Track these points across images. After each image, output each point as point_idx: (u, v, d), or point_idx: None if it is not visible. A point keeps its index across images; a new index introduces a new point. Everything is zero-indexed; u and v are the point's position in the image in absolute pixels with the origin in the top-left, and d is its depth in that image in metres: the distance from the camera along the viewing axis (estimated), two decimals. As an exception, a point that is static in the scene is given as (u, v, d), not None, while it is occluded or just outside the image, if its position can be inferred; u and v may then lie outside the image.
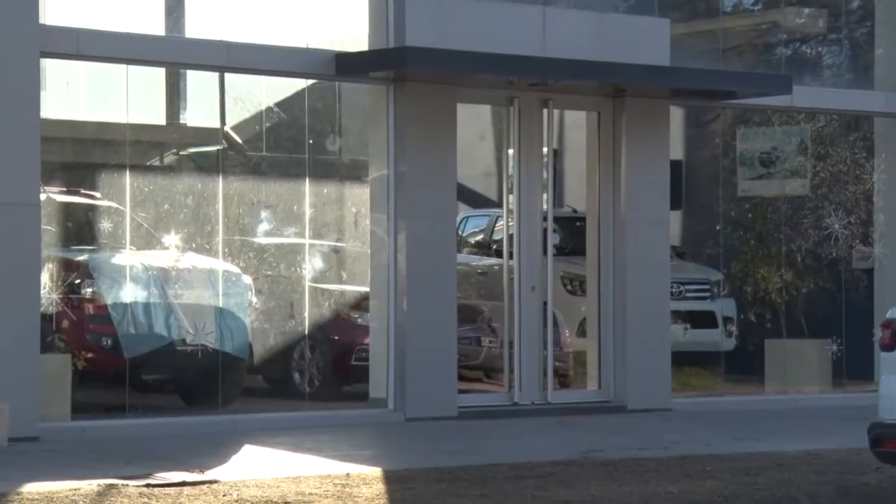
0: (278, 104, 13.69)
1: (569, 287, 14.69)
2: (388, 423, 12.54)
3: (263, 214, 13.65)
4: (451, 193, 13.10)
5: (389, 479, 9.25)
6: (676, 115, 15.18)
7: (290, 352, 13.30)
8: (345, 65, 12.67)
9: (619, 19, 13.97)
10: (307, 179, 13.21)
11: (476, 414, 12.94)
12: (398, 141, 12.87)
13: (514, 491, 8.85)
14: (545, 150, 13.71)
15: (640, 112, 13.95)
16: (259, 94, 13.48)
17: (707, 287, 15.30)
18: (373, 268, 13.05)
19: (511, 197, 13.60)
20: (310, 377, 13.31)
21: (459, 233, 14.43)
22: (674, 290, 14.49)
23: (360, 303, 13.40)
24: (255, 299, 13.12)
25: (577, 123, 14.84)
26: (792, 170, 15.66)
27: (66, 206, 12.78)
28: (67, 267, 12.26)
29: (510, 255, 13.57)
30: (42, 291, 11.48)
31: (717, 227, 15.42)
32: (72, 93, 12.65)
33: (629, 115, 13.92)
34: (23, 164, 11.00)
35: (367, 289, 13.16)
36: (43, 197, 11.41)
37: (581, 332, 14.32)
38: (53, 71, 11.87)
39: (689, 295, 15.10)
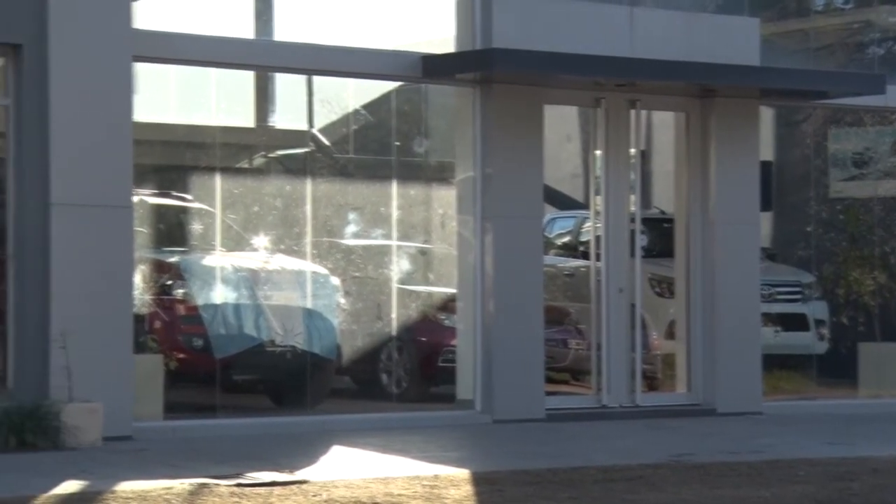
0: (365, 106, 13.75)
1: (657, 289, 14.59)
2: (475, 424, 12.54)
3: (351, 216, 13.71)
4: (537, 195, 13.07)
5: (477, 480, 9.24)
6: (766, 115, 15.03)
7: (377, 353, 13.35)
8: (432, 67, 12.70)
9: (708, 19, 13.85)
10: (394, 181, 13.26)
11: (563, 416, 12.90)
12: (485, 142, 12.87)
13: (603, 494, 8.81)
14: (632, 151, 13.64)
15: (730, 112, 13.82)
16: (346, 96, 13.55)
17: (799, 289, 15.12)
18: (459, 269, 13.06)
19: (598, 198, 13.54)
20: (397, 378, 13.35)
21: (546, 234, 14.39)
22: (764, 292, 14.33)
23: (447, 304, 13.41)
24: (342, 301, 13.19)
25: (664, 124, 14.74)
26: (885, 171, 15.42)
27: (158, 209, 12.93)
28: (159, 268, 12.41)
29: (597, 257, 13.51)
30: (135, 292, 11.62)
31: (809, 229, 15.23)
32: (163, 96, 12.80)
33: (718, 116, 13.80)
34: (116, 167, 11.15)
35: (453, 290, 13.17)
36: (135, 199, 11.55)
37: (669, 334, 14.21)
38: (145, 74, 12.01)
39: (780, 297, 14.93)
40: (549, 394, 13.13)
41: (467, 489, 8.94)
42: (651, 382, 14.13)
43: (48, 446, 10.28)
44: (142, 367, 11.44)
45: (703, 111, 13.85)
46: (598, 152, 13.62)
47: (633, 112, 13.61)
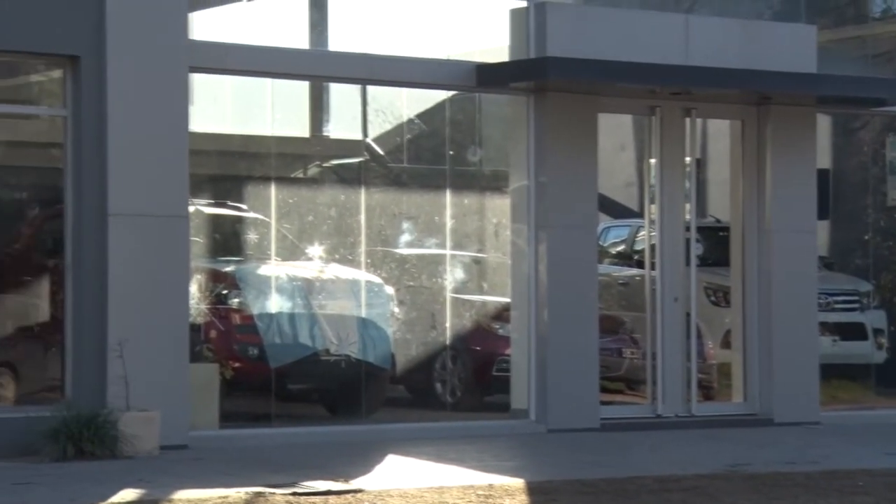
0: (419, 115, 13.78)
1: (712, 298, 14.51)
2: (529, 434, 12.52)
3: (405, 225, 13.73)
4: (592, 203, 13.04)
5: (532, 490, 9.22)
6: (823, 122, 14.91)
7: (431, 362, 13.35)
8: (485, 76, 12.70)
9: (764, 26, 13.77)
10: (448, 190, 13.27)
11: (618, 426, 12.85)
12: (539, 151, 12.86)
13: (659, 504, 8.77)
14: (688, 159, 13.57)
15: (786, 120, 13.72)
16: (400, 105, 13.57)
17: (856, 298, 14.98)
18: (513, 278, 13.05)
19: (653, 207, 13.49)
20: (451, 387, 13.34)
21: (600, 243, 14.35)
22: (822, 301, 14.21)
23: (501, 313, 13.40)
24: (397, 310, 13.21)
25: (720, 132, 14.66)
26: (944, 178, 15.26)
27: (214, 218, 13.01)
28: (215, 278, 12.48)
29: (652, 266, 13.46)
30: (191, 302, 11.69)
31: (866, 237, 15.09)
32: (218, 106, 12.88)
33: (774, 124, 13.71)
34: (172, 177, 11.23)
35: (508, 299, 13.15)
36: (191, 209, 11.63)
37: (725, 343, 14.12)
38: (201, 85, 12.09)
39: (837, 306, 14.80)
40: (603, 403, 13.08)
41: (522, 499, 8.92)
42: (706, 392, 14.04)
43: (106, 455, 10.36)
44: (198, 377, 11.50)
45: (759, 119, 13.77)
46: (652, 161, 13.57)
47: (688, 120, 13.55)
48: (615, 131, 15.20)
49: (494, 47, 13.10)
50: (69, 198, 11.04)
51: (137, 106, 11.06)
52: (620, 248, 15.28)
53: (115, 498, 8.59)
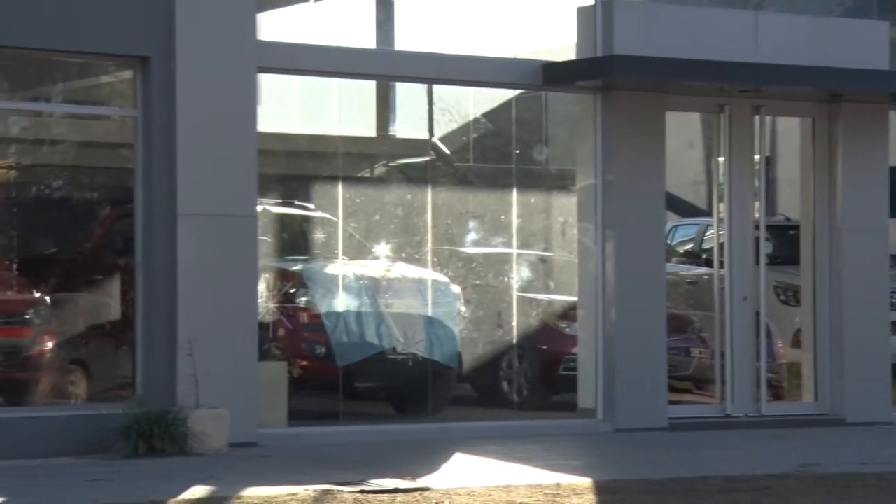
0: (485, 114, 13.77)
1: (782, 297, 14.38)
2: (596, 433, 12.47)
3: (471, 224, 13.73)
4: (659, 202, 12.97)
5: (600, 489, 9.19)
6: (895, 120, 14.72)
7: (498, 361, 13.34)
8: (552, 74, 12.67)
9: (835, 23, 13.62)
10: (514, 189, 13.25)
11: (687, 425, 12.77)
12: (606, 150, 12.81)
13: (728, 504, 8.71)
14: (757, 157, 13.46)
15: (857, 117, 13.57)
16: (466, 104, 13.57)
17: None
18: (580, 277, 13.01)
19: (722, 205, 13.39)
20: (518, 386, 13.32)
21: (668, 242, 14.27)
22: (894, 300, 14.04)
23: (568, 312, 13.36)
24: (463, 308, 13.21)
25: (790, 130, 14.53)
26: None
27: (281, 218, 13.08)
28: (283, 277, 12.55)
29: (721, 265, 13.36)
30: (259, 300, 11.76)
31: (939, 236, 14.87)
32: (286, 106, 12.95)
33: (845, 121, 13.56)
34: (240, 177, 11.31)
35: (574, 298, 13.11)
36: (259, 208, 11.70)
37: (795, 342, 13.99)
38: (268, 85, 12.16)
39: (909, 305, 14.61)
40: (671, 403, 13.01)
41: (590, 498, 8.89)
42: (776, 391, 13.92)
43: (176, 452, 10.44)
44: (266, 375, 11.57)
45: (829, 116, 13.63)
46: (721, 159, 13.47)
47: (757, 118, 13.44)
48: (683, 129, 15.11)
49: (561, 46, 13.07)
50: (139, 198, 11.14)
51: (206, 106, 11.14)
52: (688, 246, 15.19)
53: (185, 494, 8.66)
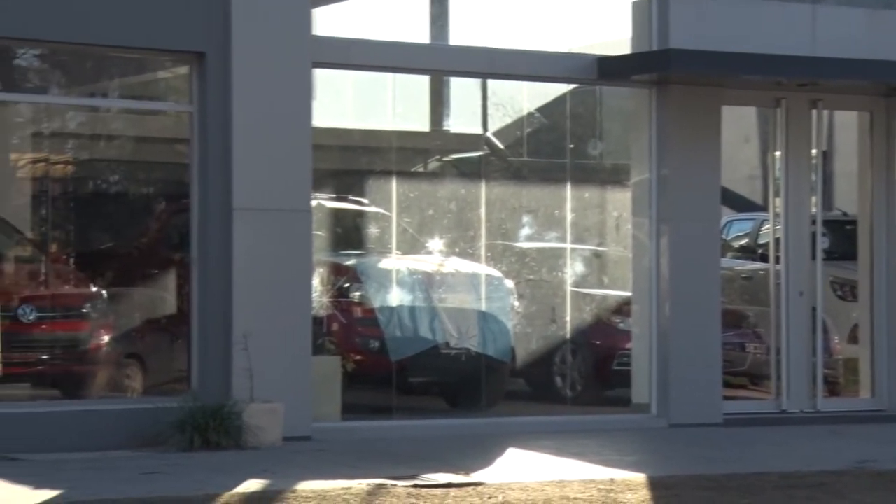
0: (539, 109, 13.74)
1: (839, 292, 14.25)
2: (650, 428, 12.42)
3: (525, 219, 13.71)
4: (714, 197, 12.89)
5: (654, 485, 9.15)
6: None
7: (551, 356, 13.31)
8: (607, 68, 12.62)
9: (893, 16, 13.46)
10: (568, 184, 13.21)
11: (741, 421, 12.70)
12: (660, 144, 12.75)
13: (784, 501, 8.64)
14: (814, 151, 13.35)
15: (916, 111, 13.43)
16: (520, 99, 13.55)
17: None
18: (635, 272, 12.95)
19: (778, 200, 13.30)
20: (571, 381, 13.29)
21: (723, 237, 14.18)
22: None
23: (622, 307, 13.31)
24: (517, 303, 13.19)
25: (847, 124, 14.39)
26: None
27: (336, 212, 13.12)
28: (337, 271, 12.59)
29: (777, 260, 13.27)
30: (313, 295, 11.80)
31: None
32: (340, 101, 12.98)
33: (904, 115, 13.43)
34: (295, 172, 11.35)
35: (628, 293, 13.06)
36: (314, 203, 11.73)
37: (852, 338, 13.87)
38: (323, 80, 12.19)
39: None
40: (726, 398, 12.93)
41: (644, 493, 8.85)
42: (833, 387, 13.80)
43: (231, 445, 10.50)
44: (320, 369, 11.61)
45: (888, 110, 13.49)
46: (777, 153, 13.37)
47: (814, 112, 13.33)
48: (739, 123, 15.01)
49: (616, 40, 13.01)
50: (195, 192, 11.20)
51: (262, 101, 11.19)
52: (744, 241, 15.09)
53: (240, 488, 8.70)
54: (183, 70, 11.37)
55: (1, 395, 10.96)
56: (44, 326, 11.11)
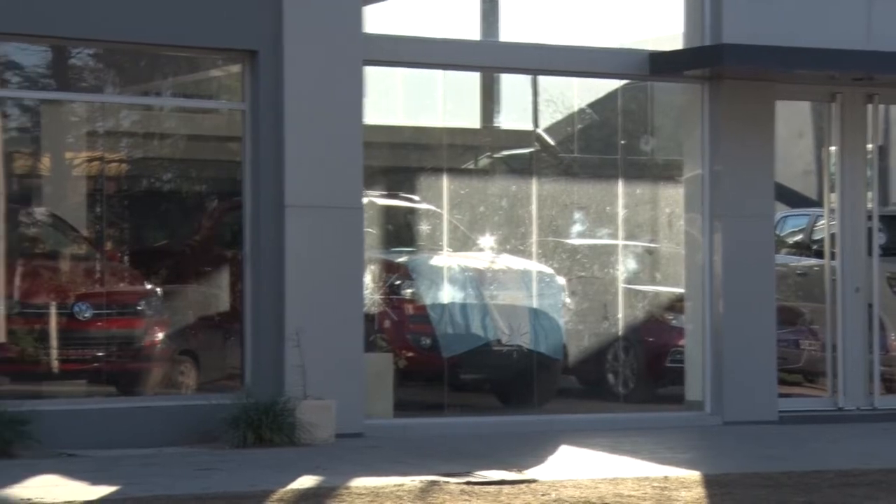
0: (590, 105, 13.69)
1: (895, 288, 14.11)
2: (704, 426, 12.35)
3: (576, 216, 13.67)
4: (768, 192, 12.80)
5: (709, 483, 9.09)
6: None
7: (604, 353, 13.27)
8: (659, 64, 12.55)
9: (951, 8, 13.33)
10: (620, 180, 13.16)
11: (797, 419, 12.60)
12: (713, 140, 12.67)
13: (841, 499, 8.56)
14: (870, 146, 13.22)
15: (972, 105, 13.27)
16: (571, 95, 13.51)
17: None
18: (687, 269, 12.88)
19: (833, 195, 13.19)
20: (624, 379, 13.24)
21: (777, 233, 14.07)
22: None
23: (675, 304, 13.25)
24: (568, 300, 13.15)
25: (903, 118, 14.26)
26: None
27: (387, 210, 13.13)
28: (388, 268, 12.60)
29: (832, 256, 13.16)
30: (364, 292, 11.81)
31: None
32: (390, 98, 12.99)
33: (960, 109, 13.28)
34: (347, 169, 11.37)
35: (681, 290, 12.99)
36: (365, 200, 11.75)
37: (910, 335, 13.74)
38: (373, 77, 12.20)
39: None
40: (781, 395, 12.84)
41: (698, 491, 8.80)
42: (889, 384, 13.67)
43: (283, 442, 10.53)
44: (372, 366, 11.62)
45: (945, 104, 13.35)
46: (832, 148, 13.25)
47: (870, 106, 13.20)
48: (793, 118, 14.89)
49: (668, 35, 12.94)
50: (247, 190, 11.25)
51: (313, 99, 11.22)
52: (798, 237, 14.97)
53: (293, 484, 8.72)
54: (235, 68, 11.41)
55: (58, 392, 11.06)
56: (99, 324, 11.19)
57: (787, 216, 15.10)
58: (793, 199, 15.53)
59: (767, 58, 12.28)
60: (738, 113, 12.63)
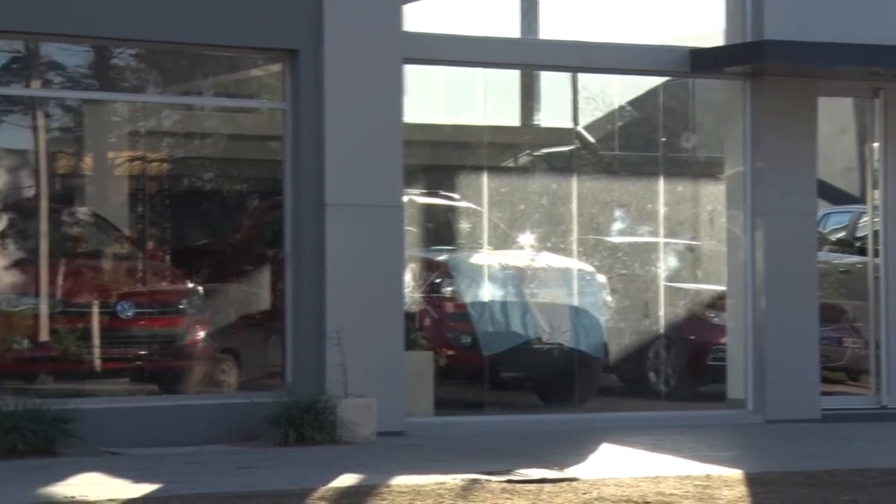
0: (630, 102, 13.65)
1: (939, 286, 13.99)
2: (746, 424, 12.29)
3: (617, 213, 13.63)
4: (810, 189, 12.72)
5: (751, 481, 9.04)
6: None
7: (645, 351, 13.23)
8: (700, 61, 12.50)
9: None
10: (660, 177, 13.12)
11: (840, 417, 12.52)
12: (755, 136, 12.60)
13: (885, 497, 8.49)
14: (913, 142, 13.12)
15: None
16: (611, 92, 13.47)
17: None
18: (729, 266, 12.82)
19: (876, 192, 13.09)
20: (665, 377, 13.19)
21: (819, 230, 13.98)
22: None
23: (716, 302, 13.19)
24: (609, 298, 13.12)
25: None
26: None
27: (427, 208, 13.14)
28: (428, 266, 12.60)
29: (875, 253, 13.06)
30: (405, 290, 11.82)
31: None
32: (430, 96, 12.99)
33: None
34: (387, 168, 11.38)
35: (723, 287, 12.93)
36: (405, 199, 11.76)
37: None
38: (413, 76, 12.21)
39: None
40: (824, 394, 12.76)
41: (741, 490, 8.75)
42: (934, 383, 13.55)
43: (325, 440, 10.56)
44: (412, 364, 11.63)
45: None
46: (875, 145, 13.15)
47: (913, 102, 13.10)
48: (835, 114, 14.80)
49: (709, 31, 12.88)
50: (288, 189, 11.28)
51: (354, 98, 11.23)
52: (841, 234, 14.87)
53: (335, 482, 8.74)
54: (276, 67, 11.45)
55: (100, 391, 11.13)
56: (142, 322, 11.25)
57: (830, 213, 15.01)
58: (835, 195, 15.44)
59: (810, 54, 12.19)
60: (780, 109, 12.56)
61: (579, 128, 13.49)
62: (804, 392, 12.47)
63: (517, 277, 12.71)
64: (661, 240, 13.31)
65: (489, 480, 8.84)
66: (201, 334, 11.62)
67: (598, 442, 10.87)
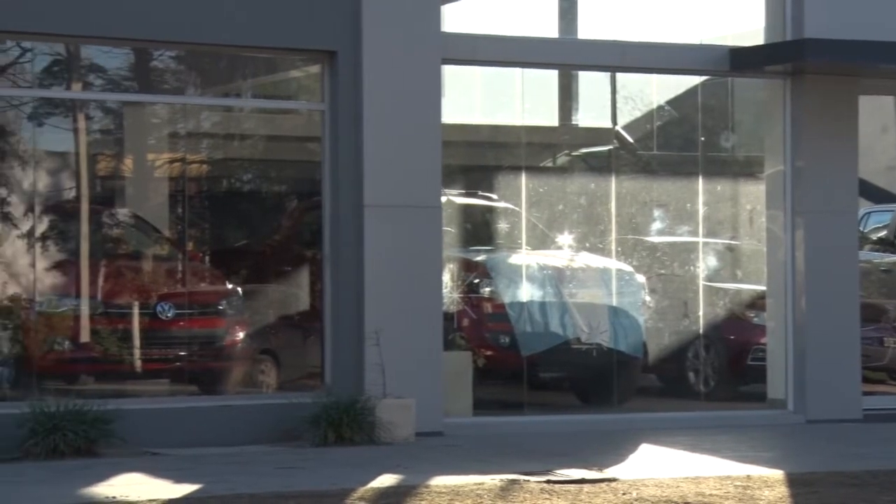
0: (669, 102, 13.60)
1: (982, 285, 13.90)
2: (787, 424, 12.22)
3: (656, 213, 13.59)
4: (851, 188, 12.63)
5: (792, 482, 8.99)
6: None
7: (684, 351, 13.18)
8: (739, 59, 12.44)
9: None
10: (700, 177, 13.06)
11: (882, 417, 12.43)
12: (795, 135, 12.53)
13: (928, 499, 8.43)
14: (955, 140, 13.01)
15: None
16: (650, 92, 13.43)
17: None
18: (769, 266, 12.76)
19: (918, 191, 13.00)
20: (705, 377, 13.14)
21: (861, 229, 13.89)
22: None
23: (756, 301, 13.13)
24: (648, 298, 13.08)
25: None
26: None
27: (465, 208, 13.14)
28: (467, 267, 12.60)
29: (917, 252, 12.97)
30: (443, 291, 11.83)
31: None
32: (468, 97, 12.99)
33: None
34: (425, 168, 11.38)
35: (763, 287, 12.87)
36: (443, 199, 11.76)
37: None
38: (451, 76, 12.22)
39: None
40: (865, 394, 12.67)
41: (782, 490, 8.71)
42: (976, 383, 13.47)
43: (364, 441, 10.58)
44: (451, 364, 11.63)
45: None
46: (917, 143, 13.05)
47: (954, 100, 12.99)
48: (876, 113, 14.69)
49: (748, 30, 12.82)
50: (326, 190, 11.30)
51: (392, 99, 11.24)
52: (882, 233, 14.77)
53: (374, 483, 8.75)
54: (314, 69, 11.48)
55: (141, 391, 11.20)
56: (182, 323, 11.31)
57: (871, 212, 14.91)
58: (876, 194, 15.34)
59: (851, 52, 12.11)
60: (820, 108, 12.48)
61: (618, 127, 13.46)
62: (845, 392, 12.40)
63: (555, 277, 12.69)
64: (701, 239, 13.25)
65: (528, 481, 8.83)
66: (241, 335, 11.66)
67: (637, 442, 10.84)
